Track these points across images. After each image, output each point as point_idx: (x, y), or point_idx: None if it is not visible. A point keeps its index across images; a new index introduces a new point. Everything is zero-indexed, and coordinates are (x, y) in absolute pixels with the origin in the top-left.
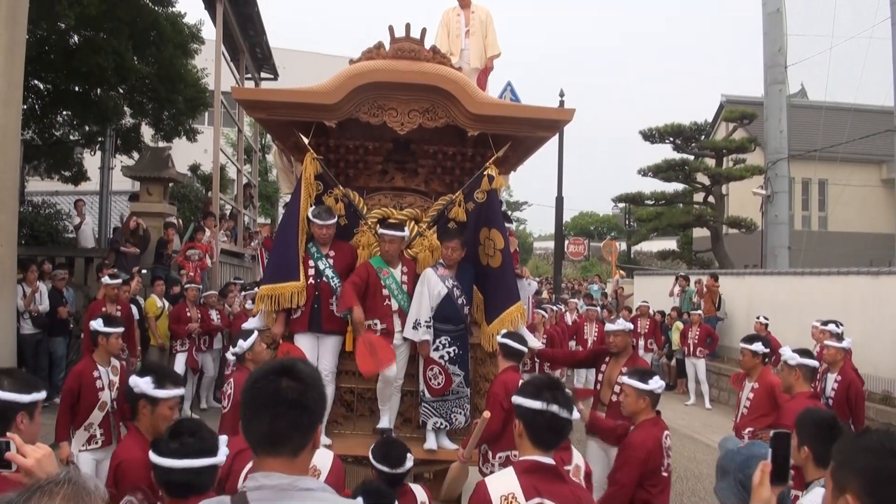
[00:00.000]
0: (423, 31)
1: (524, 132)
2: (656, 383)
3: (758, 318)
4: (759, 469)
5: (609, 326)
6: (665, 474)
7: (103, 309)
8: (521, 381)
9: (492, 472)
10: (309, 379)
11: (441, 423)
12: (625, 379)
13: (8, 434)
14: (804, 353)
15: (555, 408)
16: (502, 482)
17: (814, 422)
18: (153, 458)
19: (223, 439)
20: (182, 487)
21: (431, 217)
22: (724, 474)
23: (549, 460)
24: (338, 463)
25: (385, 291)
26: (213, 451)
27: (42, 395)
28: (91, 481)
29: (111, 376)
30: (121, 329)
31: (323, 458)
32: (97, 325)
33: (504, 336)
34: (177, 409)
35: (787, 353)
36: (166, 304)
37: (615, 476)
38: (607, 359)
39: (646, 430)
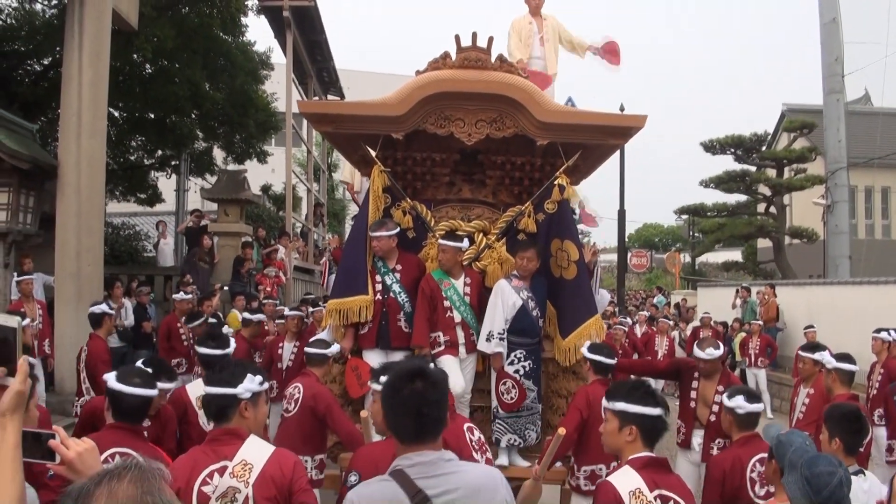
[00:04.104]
0: (491, 40)
1: (595, 140)
2: (737, 402)
3: (811, 327)
4: None
5: (699, 354)
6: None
7: (178, 324)
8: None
9: (577, 486)
10: (437, 378)
11: (515, 440)
12: (723, 397)
13: (53, 427)
14: (842, 357)
15: (666, 411)
16: (626, 479)
17: (842, 415)
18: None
19: (250, 377)
20: (208, 410)
21: (500, 229)
22: (791, 468)
23: (654, 454)
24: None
25: (446, 303)
26: (234, 384)
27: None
28: (156, 465)
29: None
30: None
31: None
32: (105, 307)
33: (591, 351)
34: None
35: (825, 358)
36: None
37: (703, 494)
38: (696, 375)
39: (730, 450)
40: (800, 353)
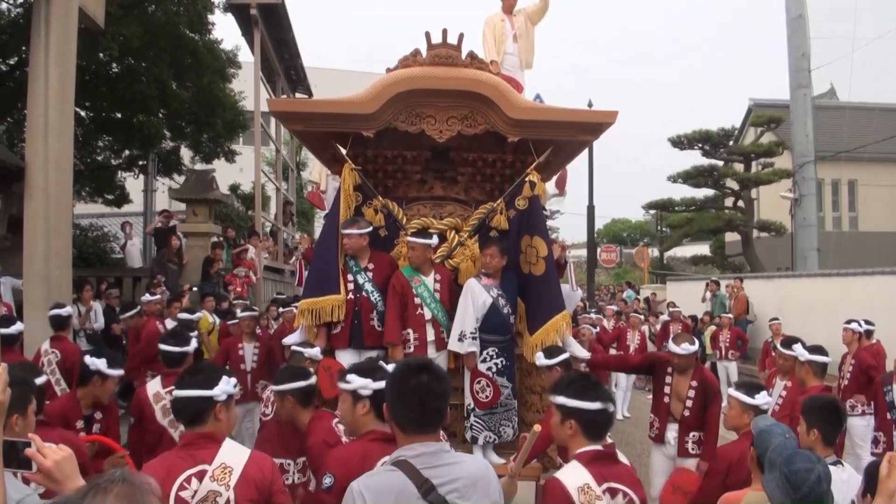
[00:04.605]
0: (461, 37)
1: (566, 136)
2: (763, 398)
3: (776, 319)
4: (887, 460)
5: (674, 349)
6: None
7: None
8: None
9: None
10: (441, 372)
11: (491, 437)
12: (731, 391)
13: (29, 434)
14: (815, 349)
15: (609, 405)
16: (574, 475)
17: (820, 407)
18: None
19: (225, 379)
20: (183, 414)
21: (472, 226)
22: (771, 467)
23: (601, 447)
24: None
25: (417, 300)
26: (209, 386)
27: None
28: (144, 479)
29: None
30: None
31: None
32: (69, 310)
33: (549, 356)
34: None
35: (798, 350)
36: (217, 319)
37: (702, 482)
38: (669, 370)
39: (738, 442)
40: (780, 349)
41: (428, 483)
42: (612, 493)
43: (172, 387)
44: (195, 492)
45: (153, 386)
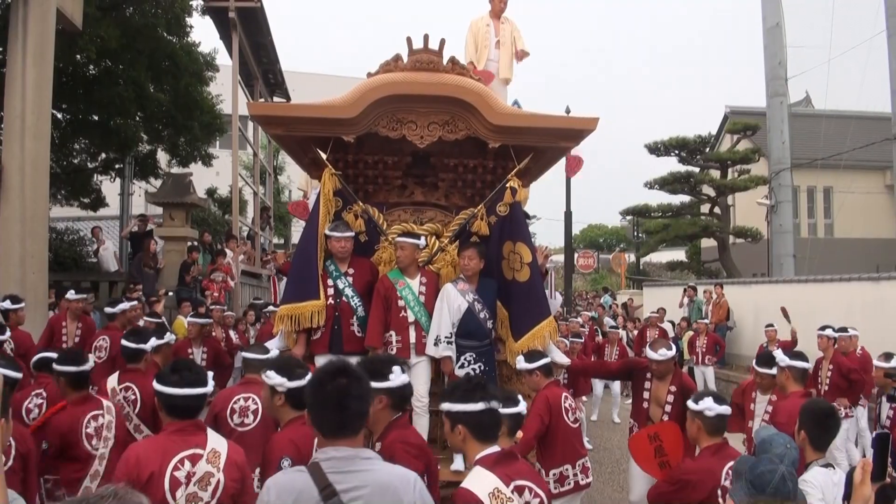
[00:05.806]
0: (442, 42)
1: (547, 143)
2: (705, 404)
3: (770, 326)
4: (860, 467)
5: (652, 355)
6: None
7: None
8: (563, 395)
9: (547, 490)
10: (360, 375)
11: None
12: (689, 402)
13: None
14: (795, 355)
15: (494, 403)
16: (482, 481)
17: (812, 410)
18: (157, 387)
19: (210, 374)
20: (180, 410)
21: (453, 231)
22: (737, 476)
23: (498, 448)
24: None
25: (401, 303)
26: (205, 383)
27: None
28: (136, 496)
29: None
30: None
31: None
32: (9, 304)
33: (531, 360)
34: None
35: (778, 356)
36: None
37: (660, 480)
38: (648, 375)
39: (703, 459)
40: (756, 368)
41: (330, 488)
42: (519, 490)
43: (128, 384)
44: (188, 472)
45: (111, 381)
